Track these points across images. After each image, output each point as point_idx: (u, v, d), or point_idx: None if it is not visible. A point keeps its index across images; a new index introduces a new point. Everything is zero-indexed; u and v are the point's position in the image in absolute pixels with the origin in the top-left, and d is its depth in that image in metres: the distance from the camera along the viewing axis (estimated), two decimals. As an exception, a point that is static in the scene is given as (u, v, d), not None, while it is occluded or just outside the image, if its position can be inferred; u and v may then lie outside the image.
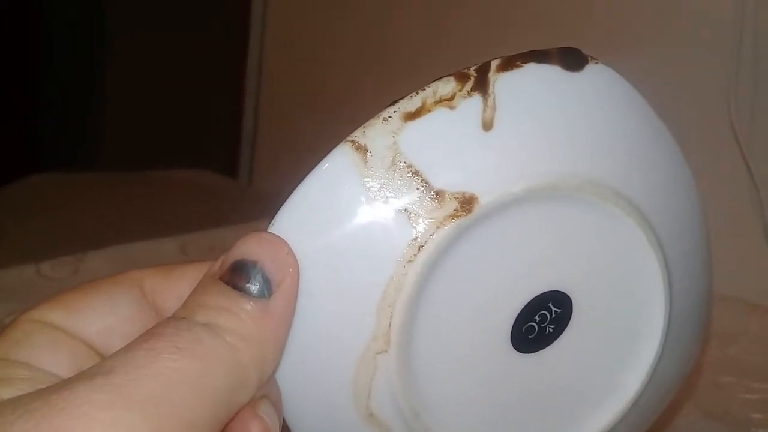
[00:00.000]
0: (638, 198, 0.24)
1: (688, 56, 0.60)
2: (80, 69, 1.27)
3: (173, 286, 0.23)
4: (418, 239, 0.22)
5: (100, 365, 0.18)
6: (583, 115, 0.23)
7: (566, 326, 0.24)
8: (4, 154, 1.16)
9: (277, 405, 0.22)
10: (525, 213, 0.23)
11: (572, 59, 0.23)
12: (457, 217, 0.22)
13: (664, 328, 0.25)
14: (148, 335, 0.19)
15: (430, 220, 0.22)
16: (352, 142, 0.22)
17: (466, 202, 0.22)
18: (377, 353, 0.22)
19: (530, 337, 0.24)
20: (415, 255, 0.22)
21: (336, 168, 0.22)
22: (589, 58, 0.24)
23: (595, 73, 0.24)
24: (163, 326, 0.19)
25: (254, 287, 0.21)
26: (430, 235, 0.22)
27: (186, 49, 1.11)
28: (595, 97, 0.24)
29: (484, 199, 0.22)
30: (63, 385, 0.18)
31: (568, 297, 0.24)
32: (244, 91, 0.88)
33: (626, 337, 0.25)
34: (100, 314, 0.22)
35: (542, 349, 0.24)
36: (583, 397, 0.25)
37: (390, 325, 0.22)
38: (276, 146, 0.88)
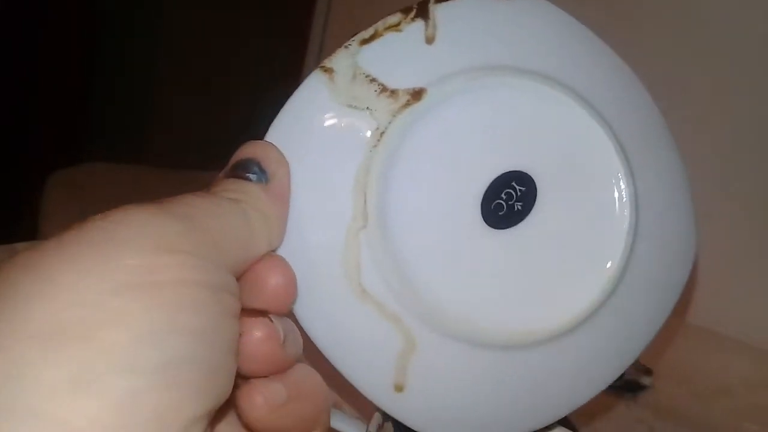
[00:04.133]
0: (572, 80, 0.26)
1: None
2: (135, 62, 1.27)
3: None
4: (379, 128, 0.25)
5: None
6: (512, 27, 0.26)
7: (533, 203, 0.25)
8: (58, 138, 1.17)
9: None
10: (470, 100, 0.25)
11: (501, -10, 0.27)
12: (410, 105, 0.25)
13: (632, 206, 0.25)
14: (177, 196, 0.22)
15: (387, 112, 0.25)
16: (321, 67, 0.26)
17: (416, 94, 0.25)
18: (359, 230, 0.25)
19: (500, 213, 0.25)
20: (378, 140, 0.25)
21: (310, 87, 0.25)
22: (518, -9, 0.27)
23: (525, 1, 0.27)
24: (187, 195, 0.22)
25: (253, 176, 0.24)
26: (389, 123, 0.25)
27: (242, 58, 1.10)
28: (525, 16, 0.26)
29: (432, 89, 0.25)
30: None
31: (530, 176, 0.25)
32: None
33: (596, 215, 0.25)
34: None
35: (514, 225, 0.25)
36: (562, 275, 0.25)
37: (365, 202, 0.24)
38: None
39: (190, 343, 0.18)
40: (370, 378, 0.25)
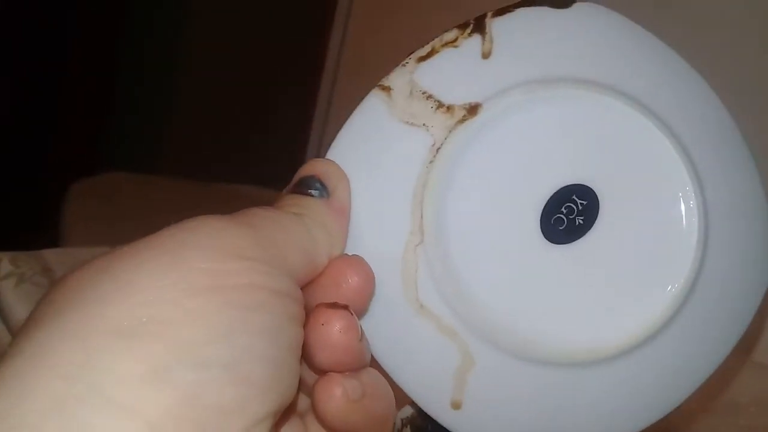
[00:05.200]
0: (635, 90, 0.25)
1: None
2: (154, 72, 1.26)
3: None
4: (436, 144, 0.25)
5: None
6: (571, 37, 0.25)
7: (596, 217, 0.24)
8: (79, 147, 1.17)
9: None
10: (527, 113, 0.24)
11: (559, 0, 0.26)
12: (465, 120, 0.25)
13: (701, 219, 0.24)
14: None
15: (444, 128, 0.25)
16: (379, 85, 0.26)
17: (472, 109, 0.25)
18: (416, 246, 0.24)
19: (561, 228, 0.24)
20: (434, 156, 0.25)
21: (369, 105, 0.26)
22: (577, -1, 0.26)
23: (583, 8, 0.26)
24: (253, 208, 0.23)
25: (315, 192, 0.24)
26: (445, 138, 0.25)
27: (260, 68, 1.09)
28: (584, 22, 0.26)
29: (487, 105, 0.25)
30: None
31: (591, 189, 0.25)
32: (312, 116, 0.84)
33: (663, 229, 0.24)
34: None
35: (576, 240, 0.24)
36: (625, 292, 0.24)
37: (422, 217, 0.24)
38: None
39: (258, 341, 0.19)
40: (428, 393, 0.25)
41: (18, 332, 0.18)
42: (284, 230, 0.22)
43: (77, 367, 0.17)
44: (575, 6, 0.26)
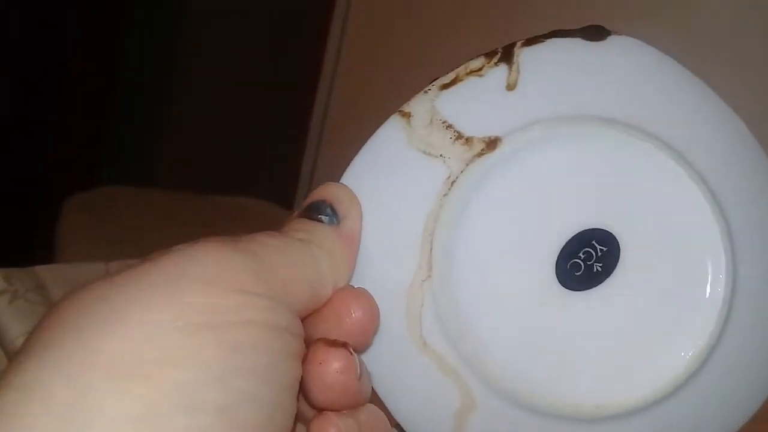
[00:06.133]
0: (671, 135, 0.23)
1: None
2: (152, 87, 1.26)
3: None
4: (451, 176, 0.24)
5: None
6: (602, 72, 0.24)
7: (616, 266, 0.23)
8: (74, 161, 1.16)
9: None
10: (548, 151, 0.23)
11: (594, 32, 0.25)
12: (483, 154, 0.24)
13: (728, 285, 0.22)
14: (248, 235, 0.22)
15: (461, 160, 0.24)
16: (400, 111, 0.25)
17: (492, 143, 0.24)
18: (423, 280, 0.23)
19: (577, 274, 0.23)
20: (448, 189, 0.24)
21: (387, 131, 0.25)
22: (613, 32, 0.25)
23: (618, 42, 0.25)
24: (258, 234, 0.23)
25: (325, 218, 0.24)
26: (461, 172, 0.24)
27: (260, 69, 1.10)
28: (619, 58, 0.24)
29: (507, 139, 0.23)
30: None
31: (613, 236, 0.23)
32: (308, 128, 0.86)
33: (686, 287, 0.23)
34: None
35: (592, 287, 0.23)
36: (639, 348, 0.23)
37: (431, 252, 0.23)
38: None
39: (254, 383, 0.18)
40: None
41: (12, 358, 0.18)
42: (289, 261, 0.21)
43: (69, 407, 0.16)
44: (610, 39, 0.25)
